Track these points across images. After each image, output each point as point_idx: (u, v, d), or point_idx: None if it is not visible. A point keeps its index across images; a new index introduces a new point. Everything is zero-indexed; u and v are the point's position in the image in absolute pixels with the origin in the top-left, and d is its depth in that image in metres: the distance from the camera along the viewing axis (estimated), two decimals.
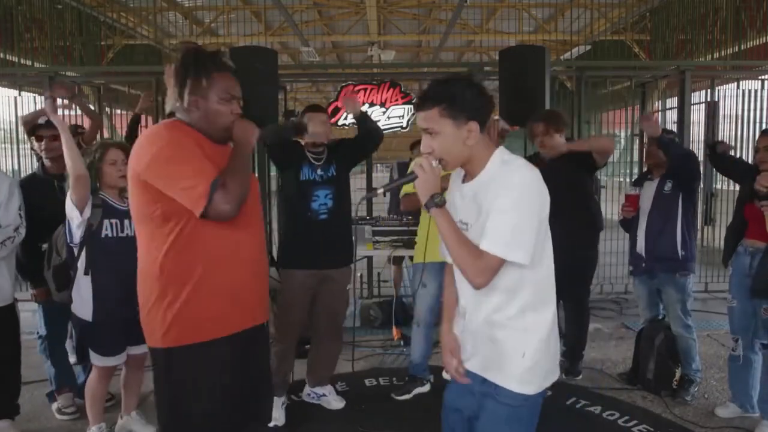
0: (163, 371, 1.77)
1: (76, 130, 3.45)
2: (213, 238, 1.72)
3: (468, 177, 1.67)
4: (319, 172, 3.16)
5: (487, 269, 1.53)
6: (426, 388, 3.55)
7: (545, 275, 1.64)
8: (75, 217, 2.71)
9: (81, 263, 2.75)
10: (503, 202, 1.51)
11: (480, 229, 1.55)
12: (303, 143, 3.18)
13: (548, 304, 1.65)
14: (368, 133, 3.27)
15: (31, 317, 5.10)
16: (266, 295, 1.98)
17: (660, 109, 7.52)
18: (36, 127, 3.26)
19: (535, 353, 1.60)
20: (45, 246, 2.92)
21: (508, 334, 1.62)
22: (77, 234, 2.74)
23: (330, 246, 3.17)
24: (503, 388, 1.62)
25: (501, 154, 1.62)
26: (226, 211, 1.64)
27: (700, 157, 6.16)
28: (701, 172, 3.74)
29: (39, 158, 3.33)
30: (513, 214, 1.51)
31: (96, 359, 2.82)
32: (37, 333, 3.40)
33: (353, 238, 3.49)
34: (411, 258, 5.37)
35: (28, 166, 6.24)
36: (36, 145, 3.25)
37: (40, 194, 3.11)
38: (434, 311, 3.43)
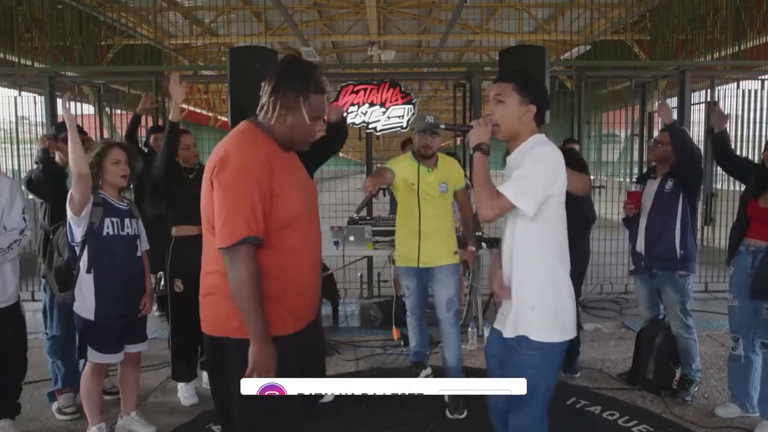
0: (239, 361, 1.75)
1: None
2: (286, 242, 1.81)
3: (510, 152, 2.07)
4: None
5: (497, 206, 1.92)
6: (428, 371, 3.72)
7: (552, 237, 2.00)
8: (70, 217, 2.73)
9: (83, 262, 2.76)
10: (525, 164, 1.93)
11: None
12: None
13: (561, 265, 2.03)
14: (341, 135, 3.30)
15: (31, 317, 5.12)
16: (319, 294, 2.07)
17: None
18: (65, 131, 3.30)
19: (542, 304, 1.98)
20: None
21: (525, 289, 2.00)
22: (78, 233, 2.75)
23: None
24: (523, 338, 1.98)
25: (539, 137, 2.02)
26: (234, 266, 1.70)
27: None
28: (702, 171, 3.73)
29: (49, 155, 3.36)
30: (529, 174, 1.91)
31: (94, 356, 2.82)
32: (45, 333, 3.40)
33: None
34: None
35: (28, 166, 6.24)
36: (63, 146, 3.24)
37: (62, 183, 3.13)
38: (422, 302, 3.66)
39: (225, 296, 1.77)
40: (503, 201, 1.91)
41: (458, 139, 5.78)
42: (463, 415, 3.27)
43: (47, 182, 3.25)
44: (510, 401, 2.06)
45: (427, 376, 3.71)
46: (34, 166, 3.40)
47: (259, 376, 1.71)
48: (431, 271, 3.50)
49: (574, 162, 3.48)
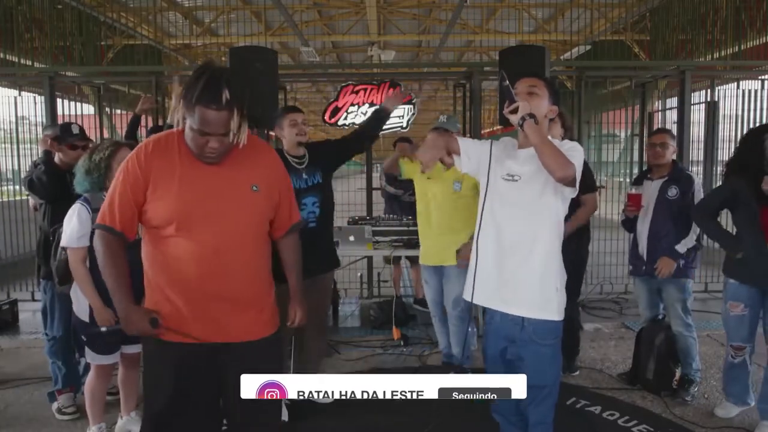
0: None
1: (84, 137, 3.45)
2: (156, 244, 1.88)
3: (523, 145, 2.16)
4: (304, 176, 3.14)
5: (570, 171, 1.99)
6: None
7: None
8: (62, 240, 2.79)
9: None
10: (576, 155, 2.07)
11: (531, 180, 2.10)
12: (284, 149, 3.18)
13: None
14: (374, 132, 3.30)
15: (31, 317, 5.11)
16: (231, 315, 1.89)
17: (660, 109, 7.52)
18: (71, 136, 3.32)
19: (562, 285, 2.16)
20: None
21: (550, 274, 2.14)
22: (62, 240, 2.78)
23: (319, 252, 3.15)
24: (543, 321, 2.12)
25: (557, 141, 2.14)
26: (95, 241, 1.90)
27: (700, 157, 6.21)
28: (697, 170, 3.71)
29: (51, 156, 3.37)
30: (577, 161, 2.04)
31: (92, 357, 2.83)
32: (45, 333, 3.40)
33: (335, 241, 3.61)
34: (409, 258, 5.39)
35: (28, 166, 6.23)
36: (65, 150, 3.29)
37: (62, 184, 3.12)
38: (438, 304, 3.71)
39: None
40: (572, 169, 1.99)
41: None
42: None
43: (50, 182, 3.25)
44: (527, 398, 2.11)
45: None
46: (35, 167, 3.39)
47: (126, 330, 1.85)
48: (444, 269, 3.57)
49: (588, 181, 3.49)
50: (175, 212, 1.79)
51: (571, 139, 3.60)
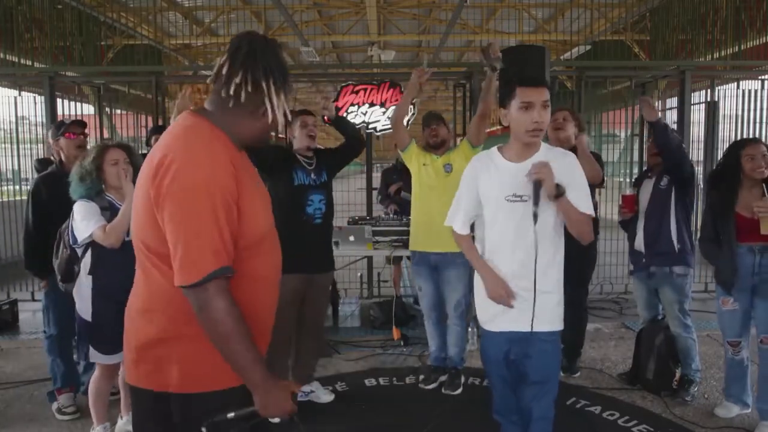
0: (181, 418, 1.42)
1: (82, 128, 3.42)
2: (248, 269, 1.43)
3: (519, 158, 2.13)
4: (312, 176, 3.30)
5: (589, 229, 2.12)
6: (446, 377, 3.68)
7: None
8: (77, 224, 2.73)
9: (85, 263, 2.77)
10: (575, 175, 2.11)
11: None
12: (295, 149, 3.34)
13: None
14: (349, 142, 3.45)
15: (31, 317, 5.12)
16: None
17: (660, 109, 7.52)
18: (64, 124, 3.31)
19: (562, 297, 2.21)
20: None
21: (559, 287, 2.18)
22: (81, 236, 2.74)
23: (321, 250, 3.33)
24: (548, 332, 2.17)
25: (547, 145, 2.22)
26: (205, 307, 1.31)
27: (700, 157, 6.22)
28: (698, 170, 3.73)
29: (57, 157, 3.35)
30: (585, 184, 2.13)
31: (97, 357, 2.82)
32: (44, 332, 3.40)
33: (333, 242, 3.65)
34: (409, 258, 5.39)
35: (28, 166, 6.24)
36: (65, 142, 3.25)
37: (62, 191, 3.09)
38: (436, 308, 3.69)
39: (167, 341, 1.40)
40: (591, 226, 2.13)
41: (458, 139, 5.78)
42: (456, 392, 3.53)
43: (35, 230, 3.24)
44: (529, 394, 2.18)
45: (442, 383, 3.65)
46: (32, 201, 3.28)
47: (266, 412, 1.39)
48: (442, 272, 3.58)
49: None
50: (267, 220, 1.50)
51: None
